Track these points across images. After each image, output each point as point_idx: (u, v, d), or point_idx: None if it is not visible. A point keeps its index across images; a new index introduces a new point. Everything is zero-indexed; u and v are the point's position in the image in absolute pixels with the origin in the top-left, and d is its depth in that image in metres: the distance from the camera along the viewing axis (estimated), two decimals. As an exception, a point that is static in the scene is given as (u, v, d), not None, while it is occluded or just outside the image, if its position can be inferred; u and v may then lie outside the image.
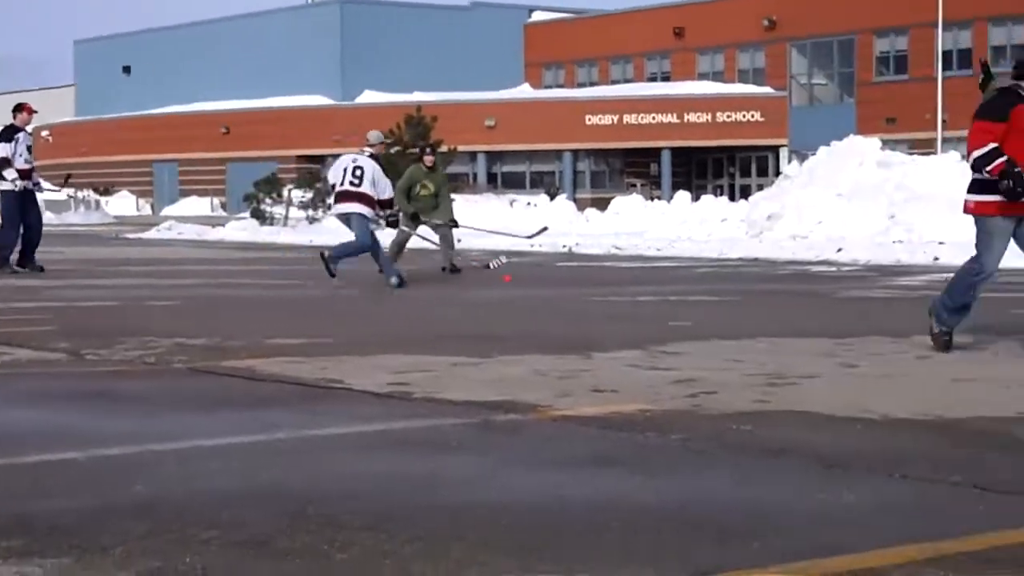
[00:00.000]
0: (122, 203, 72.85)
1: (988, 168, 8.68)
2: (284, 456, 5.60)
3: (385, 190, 15.98)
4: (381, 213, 16.08)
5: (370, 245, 15.80)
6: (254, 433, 6.03)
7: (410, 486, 5.04)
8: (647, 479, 5.17)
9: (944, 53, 53.28)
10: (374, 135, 16.52)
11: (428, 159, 19.19)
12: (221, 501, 4.70)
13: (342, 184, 15.84)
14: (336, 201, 16.22)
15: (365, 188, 15.74)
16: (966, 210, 9.08)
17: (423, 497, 4.86)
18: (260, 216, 38.45)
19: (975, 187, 8.94)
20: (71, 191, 63.40)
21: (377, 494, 4.88)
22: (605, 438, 6.02)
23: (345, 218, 15.93)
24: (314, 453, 5.67)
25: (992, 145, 8.66)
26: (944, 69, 52.20)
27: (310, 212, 38.02)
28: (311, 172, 46.39)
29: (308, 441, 5.92)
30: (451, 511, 4.62)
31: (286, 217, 38.43)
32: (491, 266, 19.06)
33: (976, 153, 8.74)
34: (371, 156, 16.03)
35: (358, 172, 15.77)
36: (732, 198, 43.77)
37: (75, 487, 4.96)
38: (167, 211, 67.45)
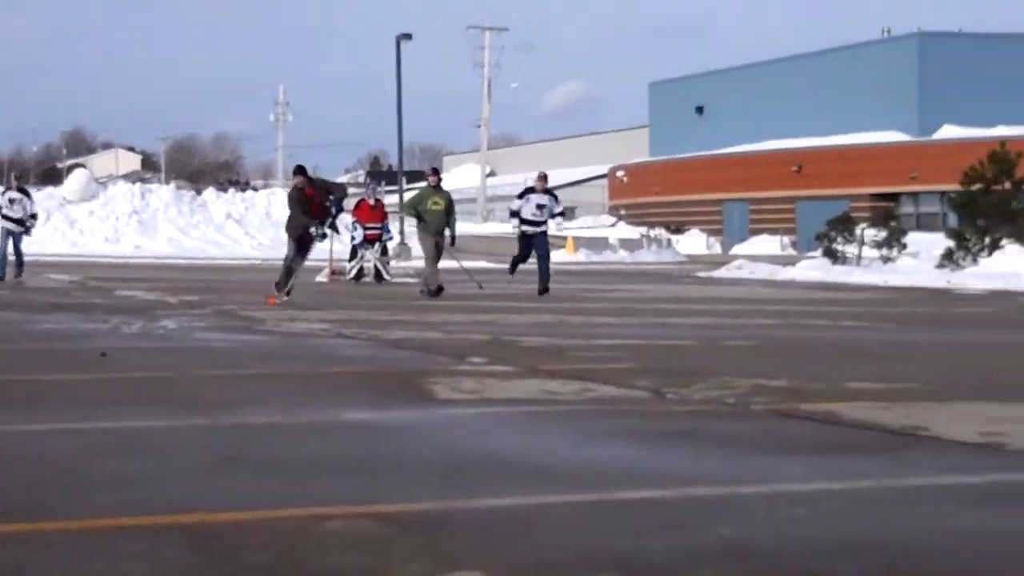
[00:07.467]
0: (692, 242, 74.58)
1: None
2: (871, 506, 5.44)
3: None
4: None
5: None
6: (840, 480, 5.91)
7: (1005, 544, 4.77)
8: None
9: None
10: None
11: (432, 179, 22.78)
12: (812, 551, 4.60)
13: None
14: None
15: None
16: None
17: (1019, 557, 4.59)
18: (832, 255, 38.19)
19: None
20: (644, 230, 65.50)
21: (970, 551, 4.65)
22: None
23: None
24: (903, 504, 5.48)
25: None
26: None
27: (884, 251, 37.41)
28: (885, 210, 45.67)
29: (896, 491, 5.73)
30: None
31: (859, 256, 37.99)
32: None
33: None
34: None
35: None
36: None
37: (664, 526, 5.01)
38: (736, 249, 68.26)
